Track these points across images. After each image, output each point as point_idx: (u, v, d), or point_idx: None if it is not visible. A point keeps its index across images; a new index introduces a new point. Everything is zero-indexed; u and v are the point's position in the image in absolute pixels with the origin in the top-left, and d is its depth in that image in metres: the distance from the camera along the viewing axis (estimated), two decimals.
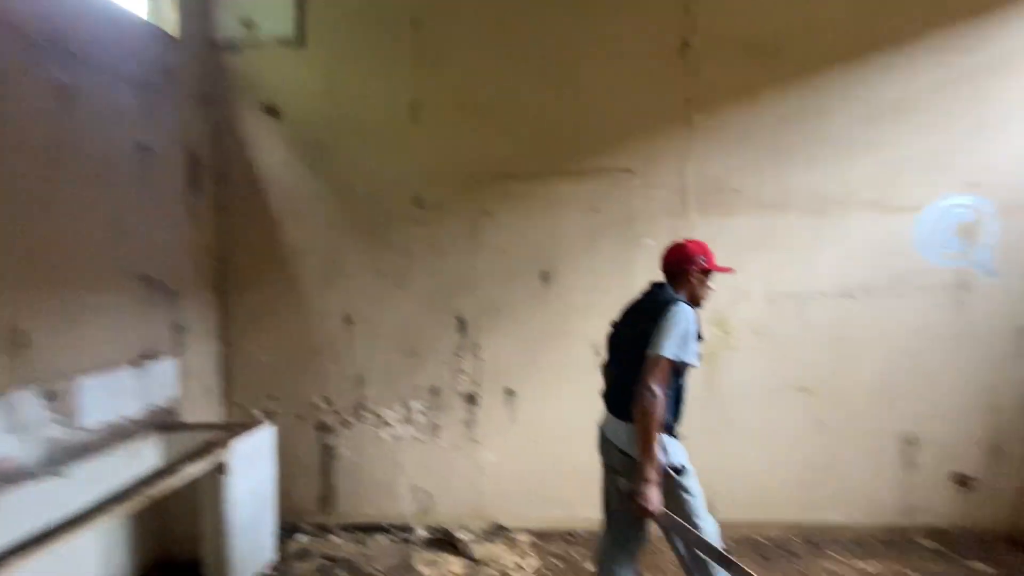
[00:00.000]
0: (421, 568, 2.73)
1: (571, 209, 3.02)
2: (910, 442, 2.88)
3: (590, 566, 2.66)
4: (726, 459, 2.95)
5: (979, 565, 2.61)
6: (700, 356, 1.80)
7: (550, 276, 3.03)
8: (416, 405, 3.13)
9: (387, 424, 3.14)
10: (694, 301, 1.87)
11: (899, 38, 2.82)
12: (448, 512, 3.11)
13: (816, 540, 2.88)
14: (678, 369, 1.74)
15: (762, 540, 2.91)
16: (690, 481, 1.78)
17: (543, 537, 3.00)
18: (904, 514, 2.90)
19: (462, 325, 3.08)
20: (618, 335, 1.95)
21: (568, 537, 2.99)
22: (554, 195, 3.02)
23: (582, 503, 3.03)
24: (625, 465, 1.76)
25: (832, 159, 2.86)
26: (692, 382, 1.90)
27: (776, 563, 2.71)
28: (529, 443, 3.05)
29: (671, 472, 1.74)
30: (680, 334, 1.68)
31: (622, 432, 1.79)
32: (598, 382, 2.02)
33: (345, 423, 3.15)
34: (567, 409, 2.99)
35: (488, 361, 3.07)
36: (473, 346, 3.07)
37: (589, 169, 3.01)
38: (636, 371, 1.69)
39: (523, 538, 2.99)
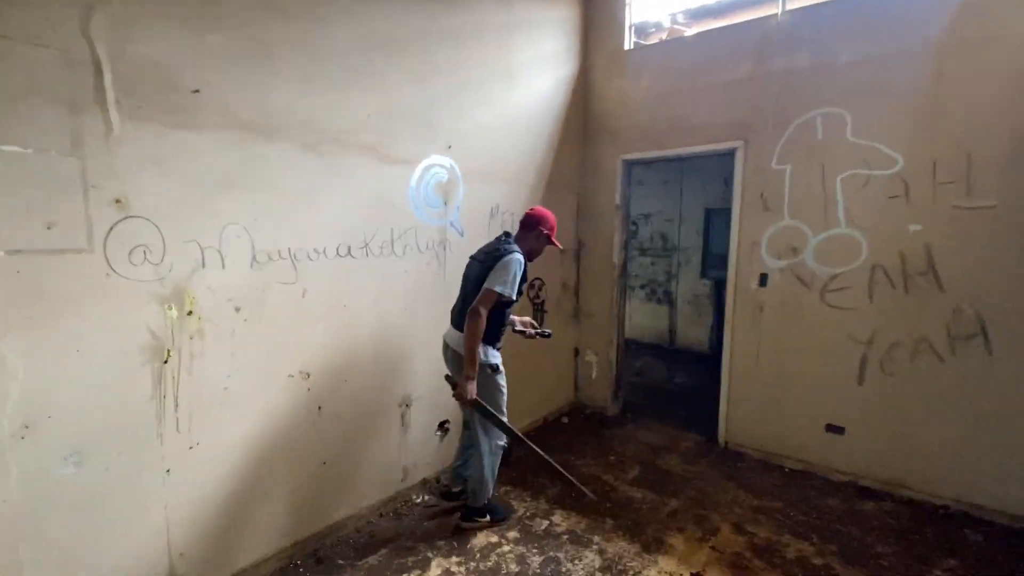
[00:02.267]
0: None
1: None
2: (407, 404, 2.82)
3: None
4: (196, 498, 1.98)
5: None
6: (521, 292, 2.43)
7: None
8: None
9: None
10: (529, 255, 2.50)
11: None
12: None
13: (327, 551, 2.41)
14: (504, 302, 2.32)
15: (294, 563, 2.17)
16: (502, 380, 2.47)
17: None
18: (405, 479, 2.85)
19: None
20: (470, 269, 2.51)
21: None
22: None
23: None
24: (458, 363, 2.39)
25: (332, 84, 2.27)
26: None
27: None
28: None
29: (488, 369, 2.41)
30: (507, 276, 2.28)
31: (459, 339, 2.37)
32: None
33: None
34: None
35: None
36: None
37: None
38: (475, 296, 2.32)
39: None
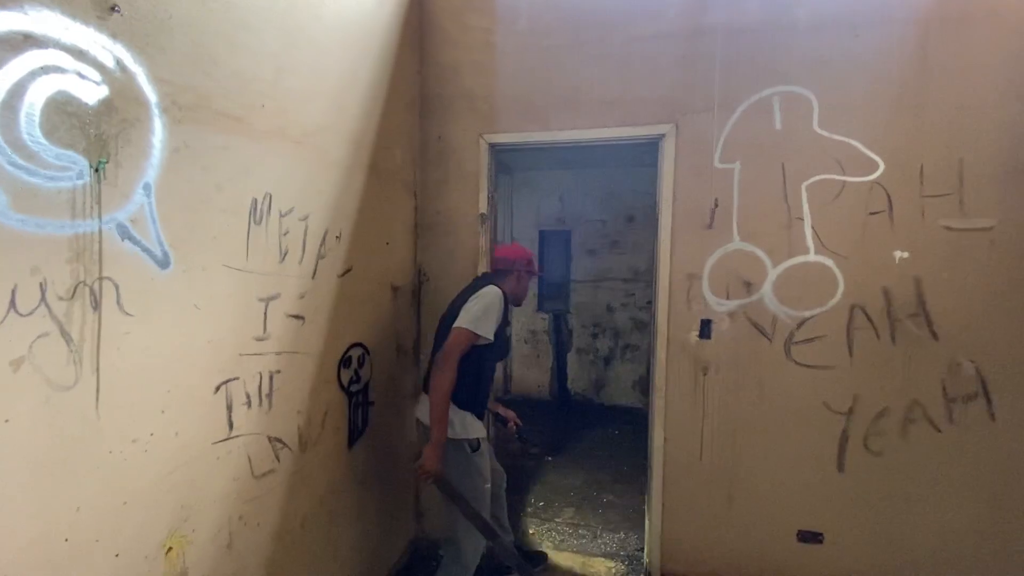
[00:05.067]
0: None
1: None
2: None
3: None
4: None
5: None
6: (507, 338, 2.04)
7: None
8: None
9: None
10: (515, 300, 2.08)
11: None
12: None
13: None
14: (482, 347, 1.82)
15: None
16: (483, 462, 1.88)
17: None
18: None
19: None
20: (441, 319, 1.98)
21: None
22: None
23: None
24: (426, 436, 1.81)
25: None
26: None
27: None
28: None
29: (467, 447, 1.83)
30: (481, 311, 1.79)
31: (426, 405, 1.84)
32: None
33: None
34: None
35: None
36: None
37: None
38: None
39: None
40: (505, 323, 1.92)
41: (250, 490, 1.41)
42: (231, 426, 1.33)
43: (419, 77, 2.48)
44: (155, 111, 1.11)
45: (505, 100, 2.43)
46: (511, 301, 2.02)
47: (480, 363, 1.86)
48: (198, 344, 1.23)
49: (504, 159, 4.41)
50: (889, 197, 2.08)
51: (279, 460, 1.52)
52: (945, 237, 2.04)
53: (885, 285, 2.10)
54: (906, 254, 2.08)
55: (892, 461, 2.13)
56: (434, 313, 2.54)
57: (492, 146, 2.45)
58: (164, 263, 1.13)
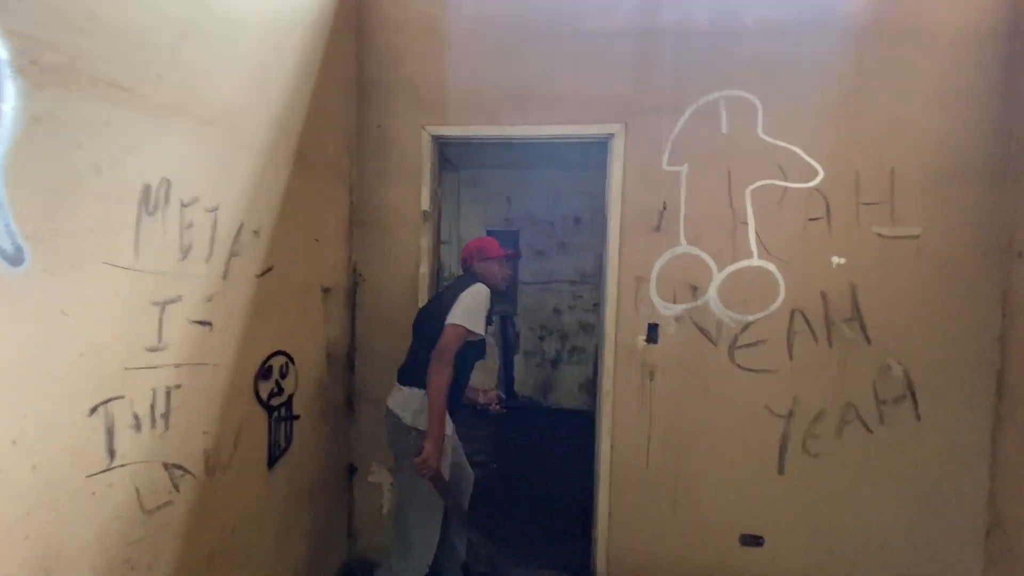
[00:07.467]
0: None
1: None
2: None
3: None
4: None
5: None
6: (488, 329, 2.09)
7: None
8: None
9: None
10: (503, 285, 2.09)
11: None
12: None
13: None
14: (468, 344, 1.84)
15: None
16: (446, 463, 1.87)
17: None
18: None
19: None
20: (421, 315, 2.03)
21: None
22: None
23: None
24: (396, 428, 1.86)
25: None
26: None
27: None
28: None
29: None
30: (471, 307, 1.83)
31: (399, 397, 1.88)
32: None
33: None
34: None
35: None
36: None
37: None
38: (430, 343, 1.79)
39: None
40: (488, 320, 1.93)
41: (138, 528, 1.20)
42: (112, 455, 1.11)
43: (356, 61, 2.29)
44: (5, 70, 0.89)
45: (450, 91, 2.29)
46: (499, 288, 2.06)
47: (462, 361, 1.86)
48: (65, 358, 1.01)
49: (450, 155, 4.25)
50: (827, 204, 2.13)
51: (178, 490, 1.31)
52: (878, 244, 2.11)
53: (823, 290, 2.15)
54: (843, 260, 2.13)
55: (828, 462, 2.18)
56: (371, 316, 2.37)
57: (436, 139, 2.31)
58: (16, 259, 0.91)
